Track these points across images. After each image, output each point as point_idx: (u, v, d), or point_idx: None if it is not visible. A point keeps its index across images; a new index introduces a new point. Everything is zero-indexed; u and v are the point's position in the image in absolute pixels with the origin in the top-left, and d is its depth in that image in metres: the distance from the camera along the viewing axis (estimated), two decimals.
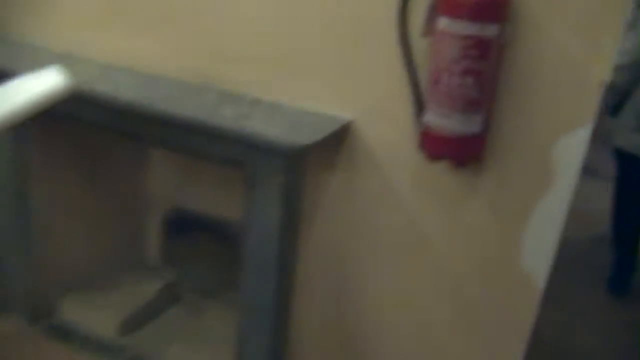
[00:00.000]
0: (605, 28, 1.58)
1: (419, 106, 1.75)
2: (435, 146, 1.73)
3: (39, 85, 1.55)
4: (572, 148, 1.69)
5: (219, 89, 2.00)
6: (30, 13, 2.27)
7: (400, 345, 2.08)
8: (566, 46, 1.62)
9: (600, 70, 1.61)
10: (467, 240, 1.88)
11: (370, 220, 1.97)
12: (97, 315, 2.52)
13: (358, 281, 2.06)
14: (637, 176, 3.42)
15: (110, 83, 2.01)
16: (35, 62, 2.09)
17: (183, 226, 2.69)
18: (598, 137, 1.93)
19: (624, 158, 3.41)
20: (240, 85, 1.99)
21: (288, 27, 1.90)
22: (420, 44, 1.73)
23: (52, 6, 2.23)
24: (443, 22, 1.59)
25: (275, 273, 1.96)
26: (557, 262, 1.81)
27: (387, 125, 1.87)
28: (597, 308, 3.40)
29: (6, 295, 2.53)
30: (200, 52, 2.03)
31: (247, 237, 1.97)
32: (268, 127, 1.78)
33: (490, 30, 1.57)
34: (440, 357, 2.04)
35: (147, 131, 1.97)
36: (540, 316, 1.88)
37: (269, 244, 1.92)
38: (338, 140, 1.92)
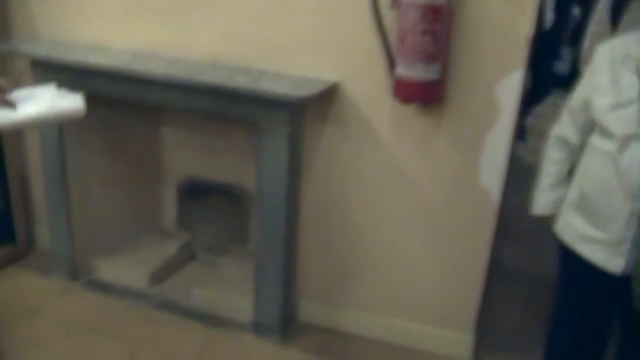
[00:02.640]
0: None
1: (391, 62, 2.33)
2: (405, 92, 2.31)
3: (63, 103, 1.85)
4: (510, 87, 2.29)
5: (229, 65, 2.55)
6: (67, 16, 2.80)
7: (382, 258, 2.65)
8: (497, 10, 2.22)
9: (524, 27, 2.22)
10: (436, 168, 2.46)
11: (358, 159, 2.54)
12: (129, 271, 3.04)
13: (349, 209, 2.62)
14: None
15: (139, 64, 2.55)
16: (74, 53, 2.64)
17: (194, 193, 3.22)
18: None
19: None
20: (246, 61, 2.55)
21: (284, 10, 2.47)
22: (387, 15, 2.31)
23: (84, 7, 2.77)
24: None
25: (285, 207, 2.52)
26: None
27: (366, 82, 2.45)
28: None
29: (52, 258, 3.04)
30: (211, 36, 2.58)
31: (260, 180, 2.52)
32: (275, 87, 2.34)
33: (440, 0, 2.16)
34: (415, 267, 2.62)
35: (175, 100, 2.52)
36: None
37: (280, 183, 2.48)
38: (328, 98, 2.49)
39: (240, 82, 2.37)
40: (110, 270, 3.07)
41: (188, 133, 3.11)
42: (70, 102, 1.87)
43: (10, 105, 1.74)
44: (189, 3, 2.60)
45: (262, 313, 2.70)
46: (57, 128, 2.79)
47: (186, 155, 3.16)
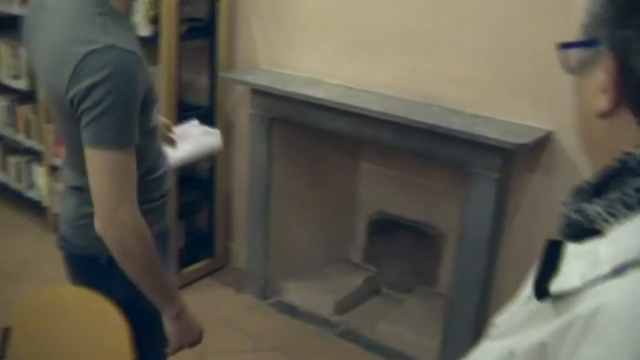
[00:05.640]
0: None
1: None
2: None
3: (209, 141, 2.07)
4: None
5: (441, 106, 2.67)
6: (285, 51, 3.07)
7: None
8: None
9: None
10: None
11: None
12: (315, 297, 3.21)
13: None
14: None
15: (353, 99, 2.73)
16: (291, 85, 2.88)
17: (384, 228, 3.35)
18: None
19: None
20: (458, 103, 2.65)
21: (498, 55, 2.54)
22: None
23: (301, 43, 3.02)
24: None
25: (486, 251, 2.56)
26: None
27: None
28: None
29: (246, 274, 3.28)
30: (424, 76, 2.72)
31: (463, 222, 2.59)
32: (489, 131, 2.41)
33: None
34: None
35: (386, 136, 2.67)
36: None
37: (483, 227, 2.53)
38: (540, 146, 2.52)
39: (454, 123, 2.47)
40: (298, 293, 3.25)
41: (384, 168, 3.25)
42: (213, 139, 2.09)
43: (173, 143, 1.93)
44: (405, 42, 2.75)
45: (449, 356, 2.75)
46: (266, 153, 3.04)
47: (380, 190, 3.30)
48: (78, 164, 1.49)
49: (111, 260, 1.51)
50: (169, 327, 1.59)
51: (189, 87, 3.28)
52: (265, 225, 3.16)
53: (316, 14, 2.98)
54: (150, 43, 2.92)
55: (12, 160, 3.97)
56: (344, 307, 3.20)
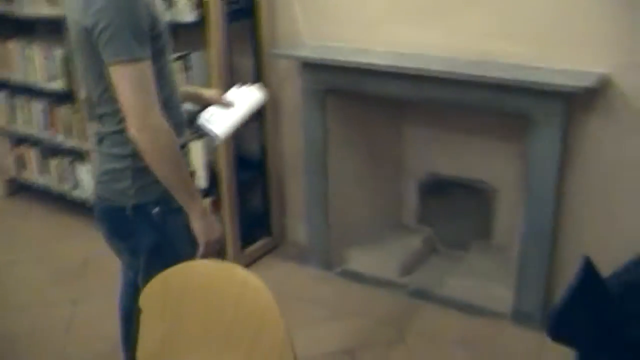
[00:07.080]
0: None
1: None
2: None
3: (253, 97, 2.25)
4: None
5: (497, 62, 2.74)
6: (327, 23, 3.14)
7: None
8: None
9: None
10: None
11: (625, 152, 2.63)
12: (380, 262, 3.32)
13: (610, 204, 2.72)
14: None
15: (409, 62, 2.80)
16: (342, 55, 2.96)
17: (435, 189, 3.46)
18: None
19: None
20: (516, 57, 2.71)
21: (551, 4, 2.63)
22: None
23: (343, 13, 3.09)
24: None
25: (554, 200, 2.67)
26: None
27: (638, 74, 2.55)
28: None
29: (309, 248, 3.39)
30: (475, 34, 2.80)
31: (528, 173, 2.70)
32: (550, 79, 2.51)
33: None
34: None
35: (446, 95, 2.76)
36: None
37: (549, 176, 2.64)
38: (595, 90, 2.61)
39: (516, 75, 2.57)
40: (362, 260, 3.36)
41: (429, 130, 3.35)
42: (257, 93, 2.27)
43: (229, 105, 2.17)
44: (451, 3, 2.83)
45: (524, 302, 2.87)
46: (321, 126, 3.13)
47: (427, 152, 3.40)
48: (98, 110, 1.78)
49: (135, 210, 1.79)
50: (196, 226, 1.80)
51: (234, 69, 3.34)
52: (324, 198, 3.26)
53: None
54: (195, 28, 2.99)
55: (53, 162, 4.02)
56: (408, 268, 3.31)
